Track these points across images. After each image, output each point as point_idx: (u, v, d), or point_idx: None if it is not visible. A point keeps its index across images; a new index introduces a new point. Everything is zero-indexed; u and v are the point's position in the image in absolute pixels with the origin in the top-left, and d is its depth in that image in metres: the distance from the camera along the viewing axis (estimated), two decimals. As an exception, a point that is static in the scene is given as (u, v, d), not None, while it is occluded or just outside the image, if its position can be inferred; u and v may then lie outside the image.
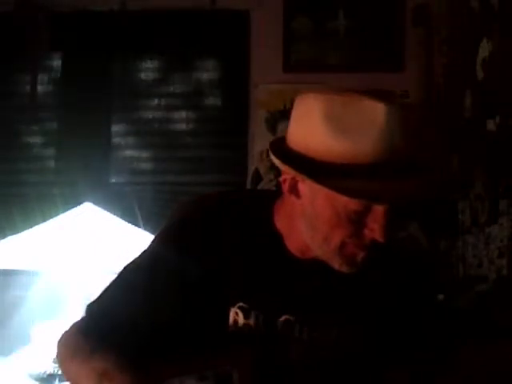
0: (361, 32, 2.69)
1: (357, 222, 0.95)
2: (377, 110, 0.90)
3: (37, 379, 2.37)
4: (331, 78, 2.62)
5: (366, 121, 0.90)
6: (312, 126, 0.94)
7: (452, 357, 1.13)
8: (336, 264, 1.00)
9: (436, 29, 2.54)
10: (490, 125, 1.90)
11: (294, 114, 1.00)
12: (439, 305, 1.22)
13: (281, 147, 1.00)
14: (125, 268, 1.11)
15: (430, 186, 0.97)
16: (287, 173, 0.97)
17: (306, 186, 0.97)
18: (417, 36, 2.63)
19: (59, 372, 2.36)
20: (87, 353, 1.00)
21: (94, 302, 1.11)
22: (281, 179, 1.00)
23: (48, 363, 2.38)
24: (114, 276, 1.11)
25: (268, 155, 2.87)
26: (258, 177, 2.68)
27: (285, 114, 2.67)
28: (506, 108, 1.83)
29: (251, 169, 2.69)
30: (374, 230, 0.94)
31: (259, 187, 2.64)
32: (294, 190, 0.99)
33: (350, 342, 1.07)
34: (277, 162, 0.97)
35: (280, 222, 1.07)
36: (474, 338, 1.28)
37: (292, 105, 1.03)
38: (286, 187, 1.00)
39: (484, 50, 1.96)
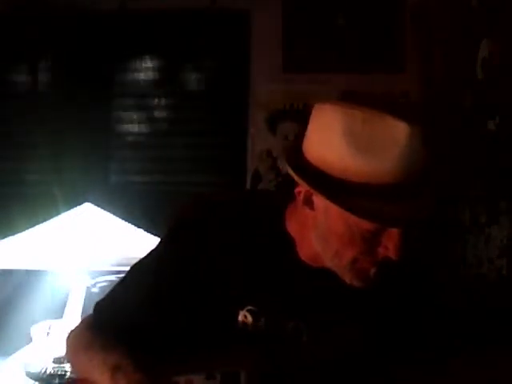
0: (361, 32, 2.69)
1: (370, 240, 0.94)
2: (399, 130, 0.88)
3: (37, 379, 2.37)
4: (331, 78, 2.63)
5: (386, 140, 0.88)
6: (331, 141, 0.92)
7: (452, 357, 1.13)
8: (347, 278, 0.99)
9: (436, 29, 2.54)
10: (490, 125, 1.90)
11: (312, 124, 0.98)
12: (439, 305, 1.21)
13: (296, 157, 0.98)
14: (132, 268, 1.12)
15: (439, 201, 0.96)
16: (302, 185, 0.96)
17: (320, 199, 0.95)
18: (417, 36, 2.63)
19: (59, 372, 2.36)
20: (99, 347, 1.02)
21: (103, 300, 1.12)
22: (296, 191, 0.99)
23: (48, 363, 2.38)
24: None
25: (268, 155, 2.88)
26: (257, 177, 2.69)
27: (285, 114, 2.67)
28: (506, 108, 1.83)
29: (251, 169, 2.69)
30: (388, 248, 0.93)
31: (259, 187, 2.64)
32: (308, 202, 0.98)
33: (357, 347, 1.07)
34: (292, 174, 0.96)
35: (292, 228, 1.06)
36: (473, 339, 1.28)
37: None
38: (300, 199, 0.98)
39: (484, 49, 1.96)
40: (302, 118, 2.64)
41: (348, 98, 0.96)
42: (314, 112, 0.99)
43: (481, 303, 1.82)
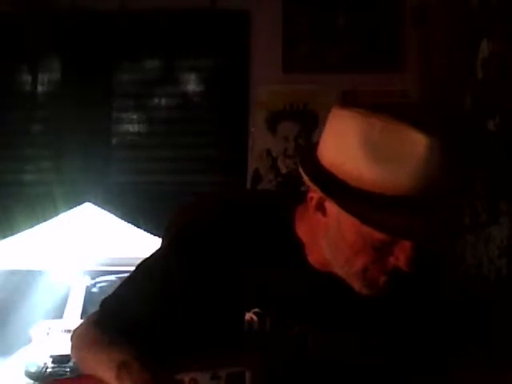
0: (361, 32, 2.69)
1: (382, 249, 0.93)
2: (417, 143, 0.87)
3: (36, 379, 2.37)
4: (331, 78, 2.63)
5: (404, 152, 0.87)
6: (347, 148, 0.91)
7: (455, 364, 1.12)
8: (356, 286, 0.99)
9: (436, 29, 2.54)
10: (490, 125, 1.90)
11: (329, 129, 0.97)
12: (443, 311, 1.20)
13: (311, 162, 0.96)
14: (140, 266, 1.11)
15: (452, 224, 0.95)
16: (315, 191, 0.95)
17: (333, 206, 0.94)
18: (417, 36, 2.63)
19: (59, 372, 2.36)
20: (105, 344, 1.02)
21: (109, 297, 1.12)
22: (308, 196, 0.98)
23: (48, 363, 2.38)
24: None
25: (268, 155, 2.88)
26: (257, 177, 2.69)
27: (285, 114, 2.67)
28: (506, 108, 1.83)
29: (251, 169, 2.69)
30: (400, 259, 0.92)
31: (259, 187, 2.64)
32: (320, 208, 0.97)
33: (361, 351, 1.07)
34: (306, 179, 0.95)
35: (302, 231, 1.05)
36: (475, 342, 1.27)
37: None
38: (312, 204, 0.97)
39: (484, 49, 1.96)
40: (302, 118, 2.65)
41: (366, 105, 0.94)
42: (331, 117, 0.97)
43: (481, 303, 1.82)
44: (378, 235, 0.91)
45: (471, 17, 2.12)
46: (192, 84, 2.79)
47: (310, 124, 2.62)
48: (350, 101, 2.58)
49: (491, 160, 1.91)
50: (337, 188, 0.91)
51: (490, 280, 1.88)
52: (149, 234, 2.63)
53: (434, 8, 2.55)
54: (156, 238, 2.54)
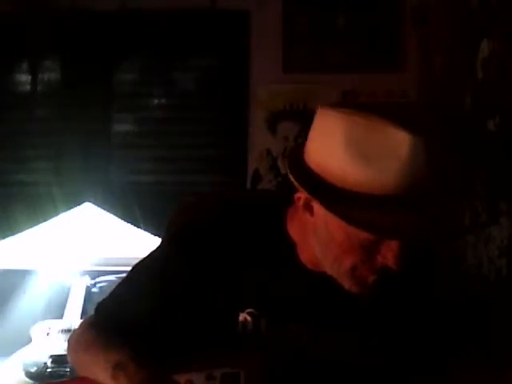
0: (361, 32, 2.69)
1: (369, 248, 0.93)
2: (401, 141, 0.86)
3: (36, 379, 2.37)
4: (331, 77, 2.63)
5: (388, 151, 0.86)
6: (332, 148, 0.91)
7: (454, 364, 1.12)
8: (346, 285, 0.99)
9: (436, 29, 2.54)
10: (490, 125, 1.90)
11: (315, 129, 0.97)
12: (439, 310, 1.20)
13: (298, 163, 0.97)
14: (135, 268, 1.11)
15: (445, 223, 0.93)
16: (302, 192, 0.95)
17: (320, 206, 0.94)
18: (416, 36, 2.63)
19: (59, 372, 2.36)
20: (101, 346, 1.02)
21: (105, 299, 1.12)
22: (295, 196, 0.99)
23: (48, 363, 2.38)
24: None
25: (268, 155, 2.88)
26: (257, 177, 2.69)
27: (285, 114, 2.67)
28: (506, 108, 1.83)
29: (251, 169, 2.69)
30: (388, 258, 0.92)
31: (259, 187, 2.64)
32: (308, 207, 0.97)
33: (356, 350, 1.07)
34: (293, 179, 0.95)
35: (293, 231, 1.06)
36: (473, 346, 1.27)
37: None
38: (300, 204, 0.98)
39: (484, 50, 1.96)
40: (301, 118, 2.65)
41: (354, 104, 0.93)
42: (316, 117, 0.97)
43: (481, 303, 1.82)
44: (364, 235, 0.90)
45: (471, 17, 2.12)
46: (192, 84, 2.79)
47: (309, 124, 2.61)
48: (350, 101, 2.59)
49: (491, 160, 1.91)
50: (322, 189, 0.91)
51: (490, 280, 1.88)
52: (149, 233, 2.63)
53: (434, 8, 2.55)
54: (156, 237, 2.54)
